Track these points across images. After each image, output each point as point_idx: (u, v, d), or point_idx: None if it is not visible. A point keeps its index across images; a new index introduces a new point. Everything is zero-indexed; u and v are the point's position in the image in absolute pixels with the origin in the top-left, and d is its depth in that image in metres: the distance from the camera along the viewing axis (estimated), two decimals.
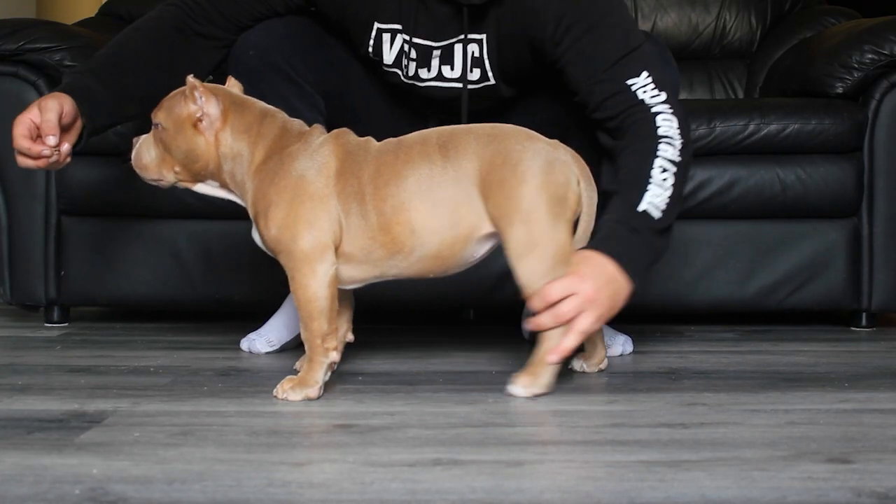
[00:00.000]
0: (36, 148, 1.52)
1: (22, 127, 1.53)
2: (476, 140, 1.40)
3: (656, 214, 1.50)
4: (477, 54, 1.68)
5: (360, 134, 1.48)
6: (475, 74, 1.70)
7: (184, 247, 2.08)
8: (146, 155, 1.45)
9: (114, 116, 1.67)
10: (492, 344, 1.87)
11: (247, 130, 1.41)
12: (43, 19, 2.62)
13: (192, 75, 1.40)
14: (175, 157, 1.42)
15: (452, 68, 1.70)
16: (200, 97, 1.39)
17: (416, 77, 1.72)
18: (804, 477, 1.01)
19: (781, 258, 2.08)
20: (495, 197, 1.37)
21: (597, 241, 1.45)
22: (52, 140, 1.52)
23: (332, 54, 1.74)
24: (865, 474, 1.02)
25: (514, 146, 1.39)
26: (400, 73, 1.72)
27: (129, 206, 2.07)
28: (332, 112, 1.72)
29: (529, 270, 1.38)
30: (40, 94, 2.08)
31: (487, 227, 1.40)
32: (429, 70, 1.70)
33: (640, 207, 1.49)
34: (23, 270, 2.10)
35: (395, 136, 1.79)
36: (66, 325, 2.12)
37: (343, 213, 1.38)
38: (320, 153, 1.40)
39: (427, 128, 1.89)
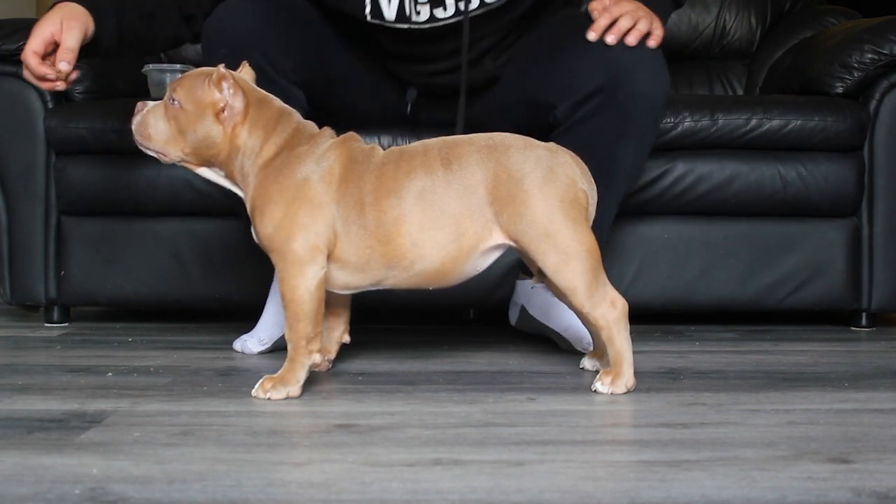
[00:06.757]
0: (42, 70, 1.51)
1: (37, 40, 1.50)
2: (478, 152, 1.40)
3: None
4: None
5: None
6: (474, 3, 1.71)
7: (183, 246, 2.08)
8: (153, 126, 1.41)
9: (111, 42, 1.66)
10: (492, 344, 1.87)
11: (264, 127, 1.41)
12: None
13: (223, 65, 1.38)
14: (188, 139, 1.40)
15: (445, 9, 1.70)
16: (228, 88, 1.38)
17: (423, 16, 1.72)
18: (804, 477, 1.01)
19: (781, 258, 2.08)
20: (508, 213, 1.38)
21: None
22: (64, 66, 1.50)
23: (309, 32, 1.72)
24: (865, 474, 1.02)
25: (515, 157, 1.39)
26: (406, 26, 1.72)
27: (129, 206, 2.07)
28: (315, 93, 1.71)
29: (570, 279, 1.38)
30: (40, 95, 2.08)
31: (495, 240, 1.40)
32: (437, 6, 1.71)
33: None
34: (23, 270, 2.10)
35: (378, 104, 1.76)
36: (66, 325, 2.12)
37: (341, 220, 1.38)
38: (326, 158, 1.40)
39: (406, 96, 1.89)
